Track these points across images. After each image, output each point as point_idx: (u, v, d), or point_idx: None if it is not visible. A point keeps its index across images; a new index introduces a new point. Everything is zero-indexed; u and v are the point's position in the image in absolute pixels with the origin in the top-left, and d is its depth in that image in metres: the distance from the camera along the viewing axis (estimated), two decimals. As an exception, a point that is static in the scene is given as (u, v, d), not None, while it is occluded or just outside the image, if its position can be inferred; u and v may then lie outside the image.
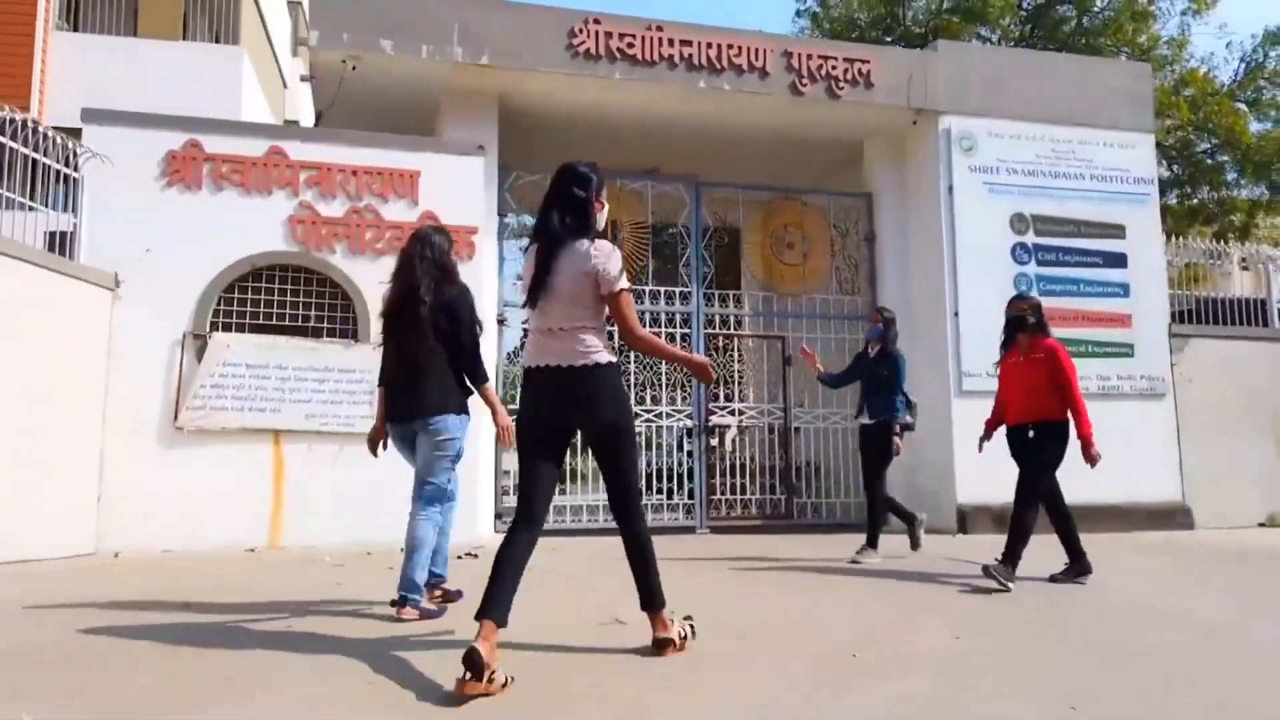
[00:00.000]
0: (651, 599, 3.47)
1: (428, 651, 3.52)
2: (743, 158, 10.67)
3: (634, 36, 8.95)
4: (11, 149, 6.85)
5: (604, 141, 9.99)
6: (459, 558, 6.46)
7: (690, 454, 9.50)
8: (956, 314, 9.56)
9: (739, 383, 9.70)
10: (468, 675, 2.85)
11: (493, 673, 2.89)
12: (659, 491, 9.37)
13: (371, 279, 8.01)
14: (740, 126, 9.97)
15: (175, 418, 7.45)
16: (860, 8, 21.35)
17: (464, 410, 4.41)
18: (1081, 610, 4.77)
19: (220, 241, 7.72)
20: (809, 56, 9.45)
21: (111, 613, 4.34)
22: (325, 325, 7.98)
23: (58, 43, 15.57)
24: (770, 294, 10.12)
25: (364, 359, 7.89)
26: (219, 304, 7.74)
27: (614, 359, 3.47)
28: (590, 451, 3.56)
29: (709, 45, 9.14)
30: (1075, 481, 9.44)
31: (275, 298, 7.89)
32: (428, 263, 4.36)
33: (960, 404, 9.39)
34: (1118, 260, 10.17)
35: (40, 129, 7.07)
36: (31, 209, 7.04)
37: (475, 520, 8.10)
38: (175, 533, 7.30)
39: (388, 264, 8.01)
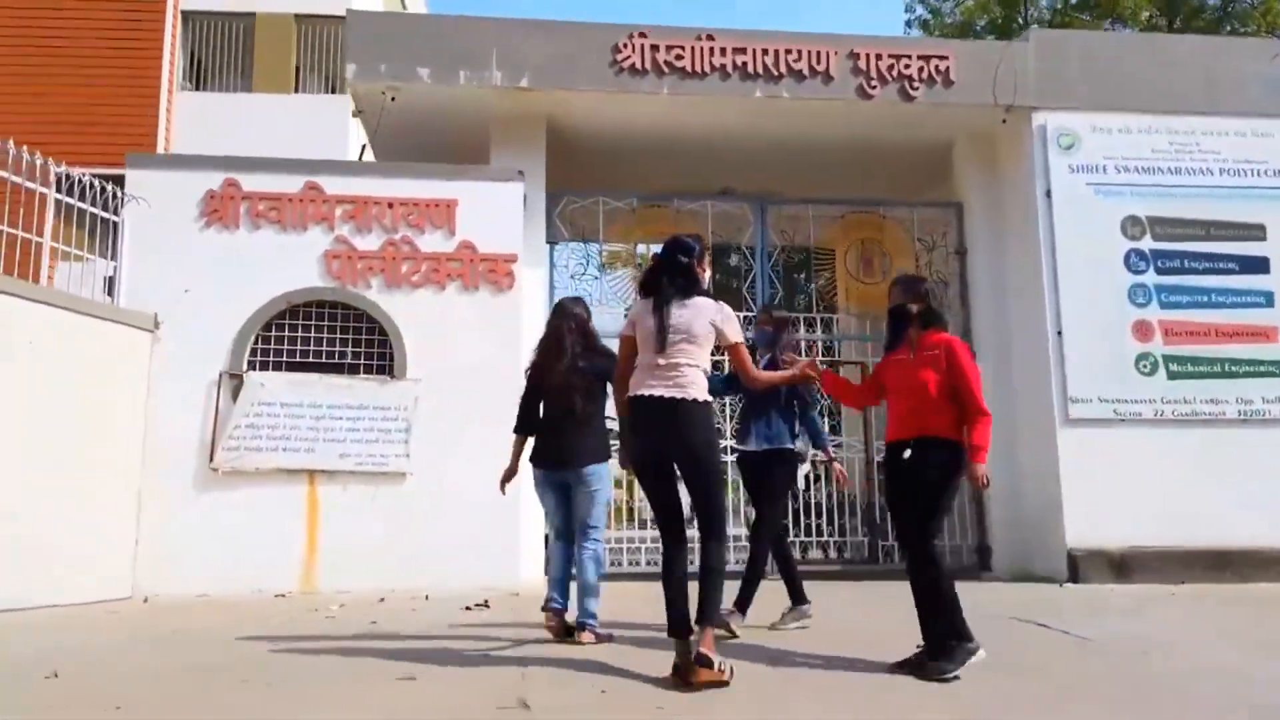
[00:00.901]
0: (703, 613, 3.74)
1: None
2: (816, 172, 9.91)
3: (682, 48, 8.42)
4: (44, 196, 6.94)
5: (660, 161, 9.49)
6: (466, 608, 6.00)
7: (759, 492, 8.73)
8: (1060, 333, 8.45)
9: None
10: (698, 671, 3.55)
11: (720, 664, 3.62)
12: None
13: (408, 313, 7.77)
14: (808, 138, 9.24)
15: (211, 459, 7.36)
16: (977, 11, 20.11)
17: (609, 457, 5.01)
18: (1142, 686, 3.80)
19: (257, 279, 7.64)
20: (878, 56, 8.66)
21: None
22: (362, 361, 7.75)
23: (181, 101, 16.47)
24: (848, 316, 9.28)
25: (399, 395, 7.61)
26: (256, 342, 7.64)
27: (709, 399, 3.98)
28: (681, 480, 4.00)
29: (764, 52, 8.50)
30: (1217, 525, 8.18)
31: (312, 335, 7.73)
32: (574, 334, 4.98)
33: (1067, 434, 8.27)
34: (1258, 265, 8.78)
35: (80, 176, 7.16)
36: (66, 255, 7.13)
37: (518, 563, 7.64)
38: (210, 577, 7.16)
39: (424, 296, 7.81)
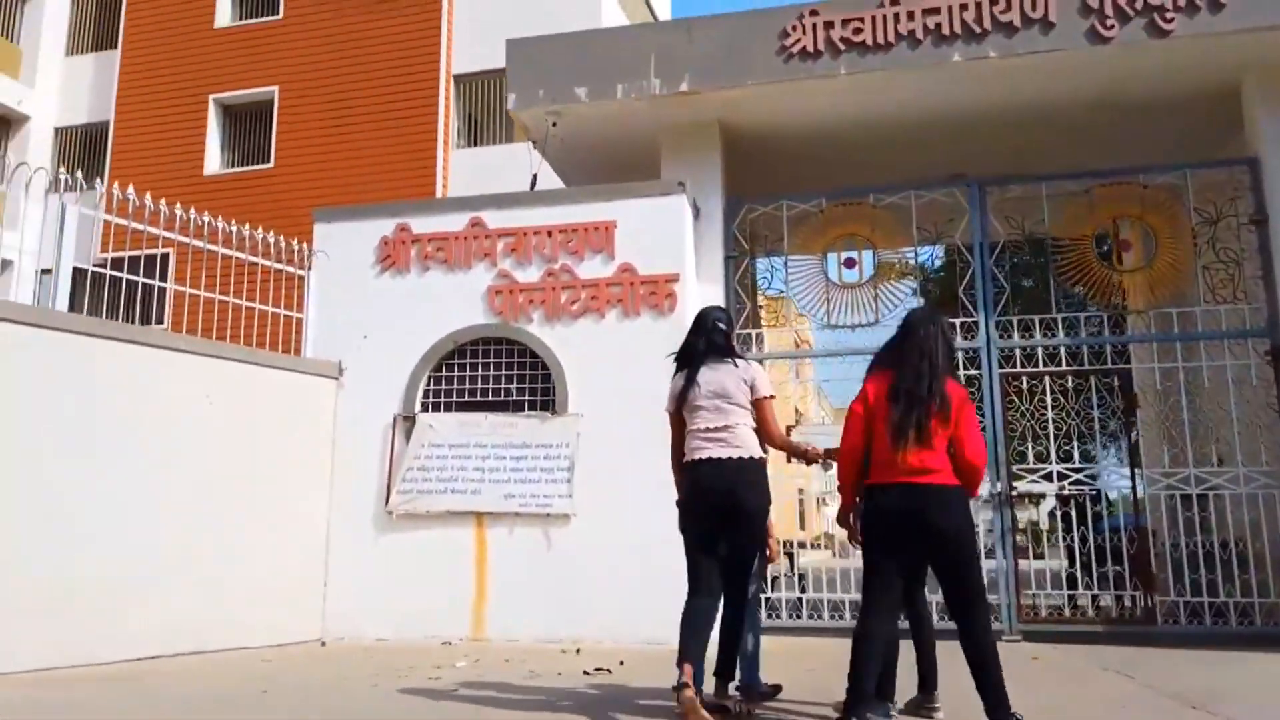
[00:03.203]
0: (724, 667, 4.24)
1: None
2: (1049, 144, 8.20)
3: (860, 20, 7.31)
4: (231, 258, 7.37)
5: (855, 154, 8.34)
6: (586, 673, 5.37)
7: (990, 533, 7.26)
8: None
9: (1055, 437, 7.19)
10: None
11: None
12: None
13: (568, 344, 7.38)
14: (1031, 103, 7.65)
15: (386, 501, 7.40)
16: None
17: None
18: None
19: (428, 321, 7.62)
20: (1114, -12, 6.96)
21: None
22: (526, 398, 7.46)
23: (457, 159, 17.74)
24: (1097, 314, 7.50)
25: (561, 432, 7.22)
26: (428, 384, 7.62)
27: (763, 455, 4.24)
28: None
29: (963, 7, 7.15)
30: None
31: (479, 373, 7.58)
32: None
33: None
34: None
35: (267, 235, 7.56)
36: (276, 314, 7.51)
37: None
38: (390, 621, 7.18)
39: (584, 326, 7.39)
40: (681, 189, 7.45)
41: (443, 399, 7.60)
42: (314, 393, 7.60)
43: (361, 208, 8.19)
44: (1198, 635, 6.66)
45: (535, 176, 8.36)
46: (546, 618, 6.95)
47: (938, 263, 16.71)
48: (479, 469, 7.30)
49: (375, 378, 7.62)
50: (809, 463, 4.42)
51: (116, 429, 6.23)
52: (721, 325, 4.38)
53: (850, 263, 7.80)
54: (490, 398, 7.50)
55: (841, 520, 4.05)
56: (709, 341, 4.31)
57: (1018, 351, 7.41)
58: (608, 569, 6.91)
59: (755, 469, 4.14)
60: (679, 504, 4.35)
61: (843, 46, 7.34)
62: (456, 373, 7.61)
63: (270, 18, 18.02)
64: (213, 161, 17.84)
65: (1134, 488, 7.20)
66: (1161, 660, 5.81)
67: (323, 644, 7.08)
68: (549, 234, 7.56)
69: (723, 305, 4.63)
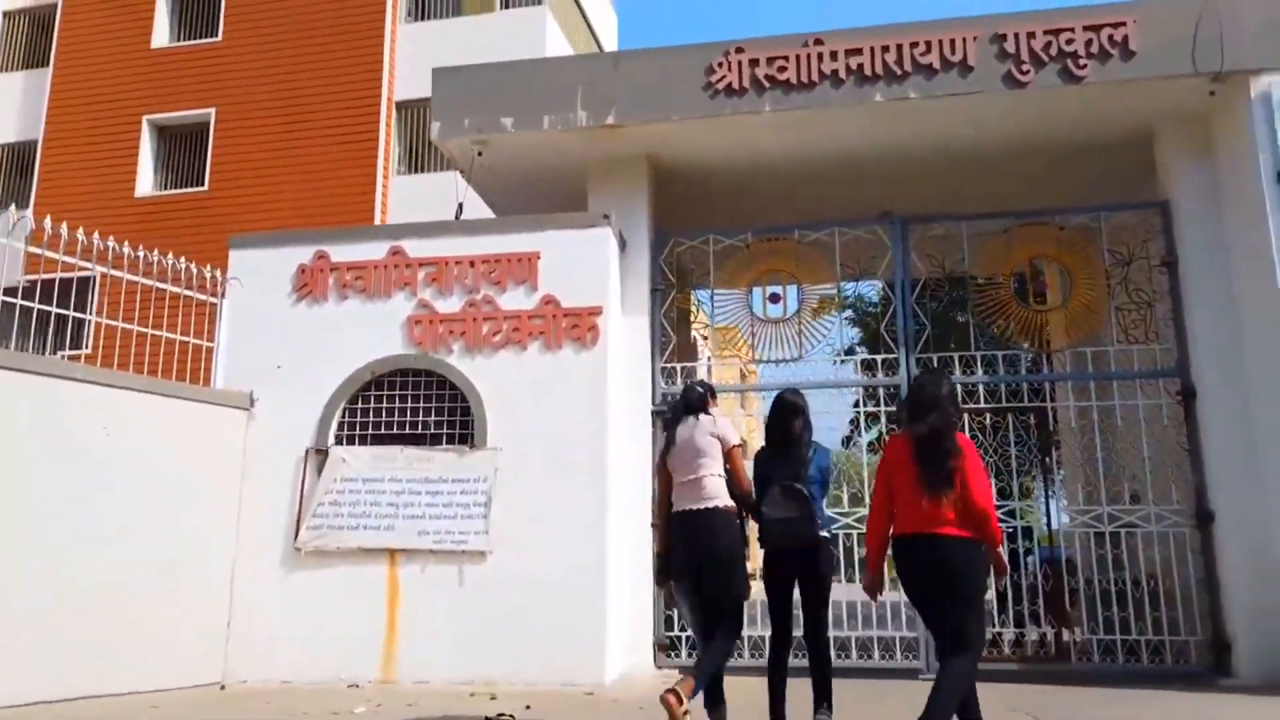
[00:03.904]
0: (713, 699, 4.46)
1: None
2: (971, 185, 8.34)
3: (785, 59, 7.38)
4: (144, 285, 7.11)
5: (779, 189, 8.40)
6: (486, 719, 5.19)
7: (910, 571, 7.23)
8: (1308, 359, 6.34)
9: (973, 474, 7.22)
10: None
11: None
12: (865, 621, 7.20)
13: (488, 377, 7.23)
14: (951, 143, 7.78)
15: (295, 538, 7.15)
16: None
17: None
18: None
19: (345, 351, 7.43)
20: (1030, 35, 7.11)
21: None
22: (444, 431, 7.29)
23: (397, 185, 17.50)
24: (1015, 352, 7.58)
25: (479, 466, 7.06)
26: (343, 415, 7.41)
27: (732, 505, 4.53)
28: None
29: (884, 49, 7.24)
30: None
31: (396, 405, 7.39)
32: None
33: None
34: None
35: (181, 263, 7.31)
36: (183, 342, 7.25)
37: (604, 656, 6.72)
38: (296, 663, 6.90)
39: (505, 358, 7.26)
40: (606, 221, 7.40)
41: (358, 431, 7.39)
42: (223, 424, 7.33)
43: (279, 234, 8.01)
44: (1111, 673, 6.69)
45: (460, 206, 8.24)
46: (459, 658, 6.74)
47: (876, 296, 16.91)
48: (393, 504, 7.10)
49: (288, 409, 7.38)
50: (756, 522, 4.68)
51: (3, 463, 5.93)
52: (699, 389, 4.82)
53: (775, 298, 7.81)
54: (407, 430, 7.32)
55: (871, 588, 4.16)
56: (686, 400, 4.77)
57: (938, 389, 7.42)
58: (523, 608, 6.75)
59: (720, 517, 4.45)
60: (656, 555, 4.87)
61: (767, 84, 7.39)
62: (373, 404, 7.41)
63: (209, 39, 17.72)
64: (145, 183, 17.39)
65: (1049, 524, 7.24)
66: (1071, 699, 5.81)
67: (222, 687, 6.77)
68: (471, 264, 7.44)
69: (703, 381, 5.16)
